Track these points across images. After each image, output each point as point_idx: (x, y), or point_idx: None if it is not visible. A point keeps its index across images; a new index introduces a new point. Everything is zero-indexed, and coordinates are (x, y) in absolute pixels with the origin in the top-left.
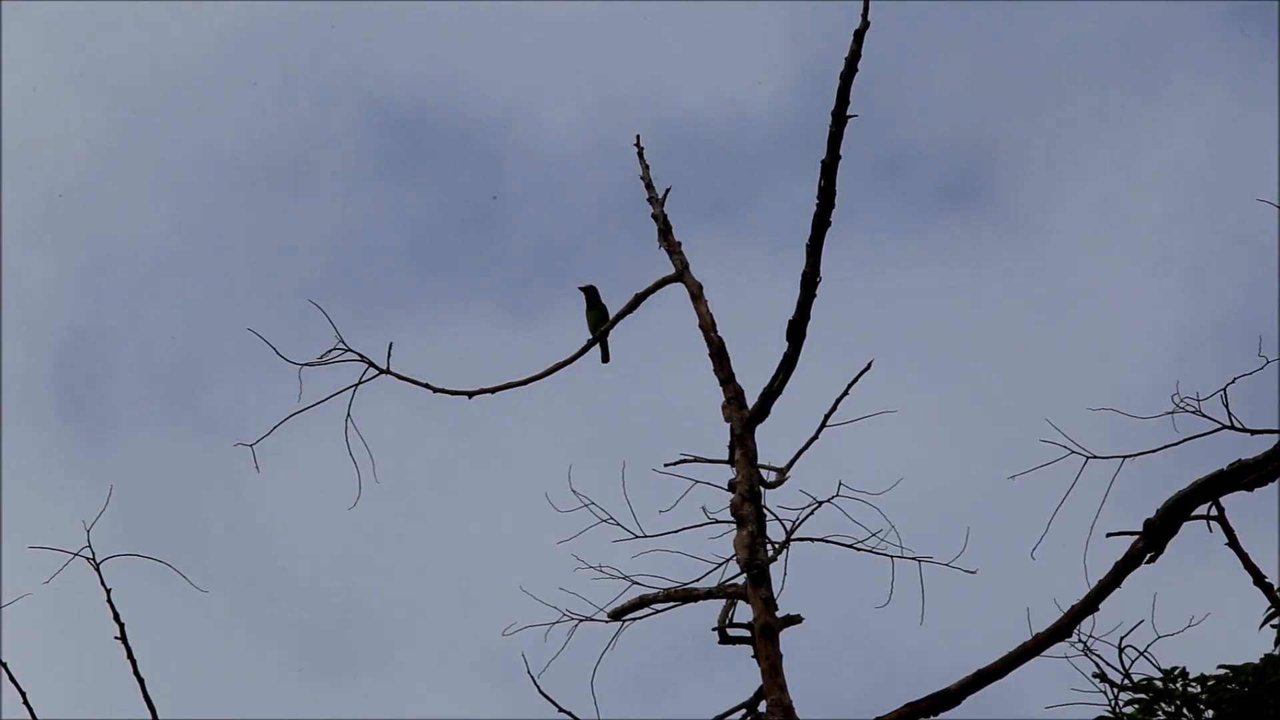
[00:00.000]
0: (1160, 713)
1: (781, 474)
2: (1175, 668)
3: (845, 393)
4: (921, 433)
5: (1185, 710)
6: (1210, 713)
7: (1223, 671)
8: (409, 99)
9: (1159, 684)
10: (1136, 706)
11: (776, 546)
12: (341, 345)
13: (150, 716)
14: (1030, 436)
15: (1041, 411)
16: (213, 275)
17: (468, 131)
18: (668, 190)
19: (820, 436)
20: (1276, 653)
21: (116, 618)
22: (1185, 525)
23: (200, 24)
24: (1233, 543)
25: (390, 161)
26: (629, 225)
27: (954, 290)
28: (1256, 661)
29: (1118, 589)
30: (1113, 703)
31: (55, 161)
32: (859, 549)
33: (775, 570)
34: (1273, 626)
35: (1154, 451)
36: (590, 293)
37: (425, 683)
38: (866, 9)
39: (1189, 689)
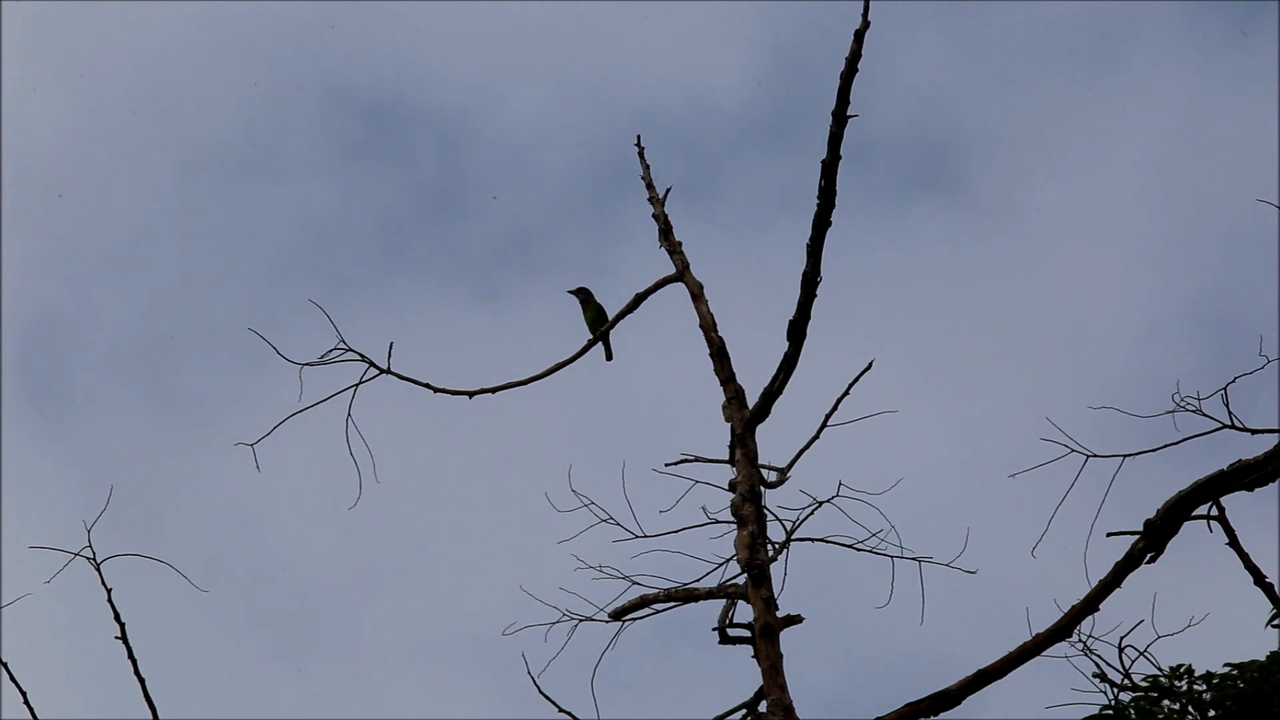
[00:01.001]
0: (1164, 710)
1: (782, 474)
2: (1180, 665)
3: (846, 393)
4: (920, 432)
5: (1190, 708)
6: (1213, 711)
7: (1227, 670)
8: (374, 85)
9: (1164, 681)
10: (1141, 704)
11: (777, 546)
12: (342, 345)
13: (150, 716)
14: (1025, 433)
15: (1027, 402)
16: (179, 261)
17: (433, 117)
18: (668, 190)
19: (821, 436)
20: None
21: (117, 618)
22: (1186, 525)
23: (166, 12)
24: (1233, 543)
25: (356, 147)
26: (595, 210)
27: (928, 274)
28: (1262, 659)
29: (1118, 589)
30: (1113, 702)
31: (22, 148)
32: (859, 549)
33: (775, 570)
34: (1274, 627)
35: (1154, 451)
36: (583, 294)
37: (425, 682)
38: (867, 9)
39: (1194, 686)
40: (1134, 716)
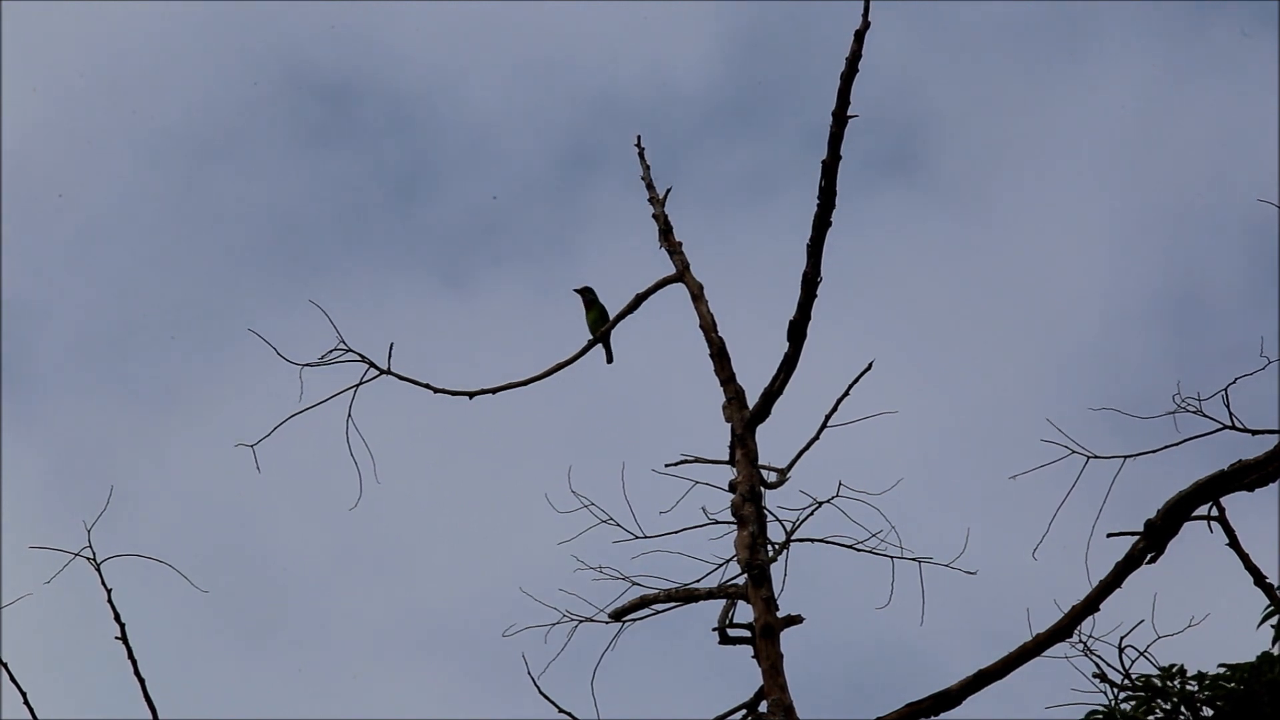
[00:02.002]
0: (1158, 710)
1: (782, 474)
2: (1173, 665)
3: (846, 393)
4: (917, 431)
5: (1183, 708)
6: (1207, 710)
7: (1220, 670)
8: (334, 68)
9: (1156, 682)
10: (1134, 704)
11: (777, 547)
12: (342, 345)
13: (150, 716)
14: (1017, 430)
15: (1022, 401)
16: (141, 247)
17: (394, 100)
18: (668, 190)
19: (821, 437)
20: (1276, 651)
21: (117, 618)
22: (1186, 525)
23: None
24: (1233, 543)
25: (317, 131)
26: (559, 192)
27: (896, 261)
28: (1253, 660)
29: (1118, 589)
30: (1113, 703)
31: None
32: (859, 549)
33: (776, 570)
34: (1271, 627)
35: (1155, 451)
36: (587, 294)
37: (425, 682)
38: (867, 9)
39: (1186, 687)
40: (1119, 718)
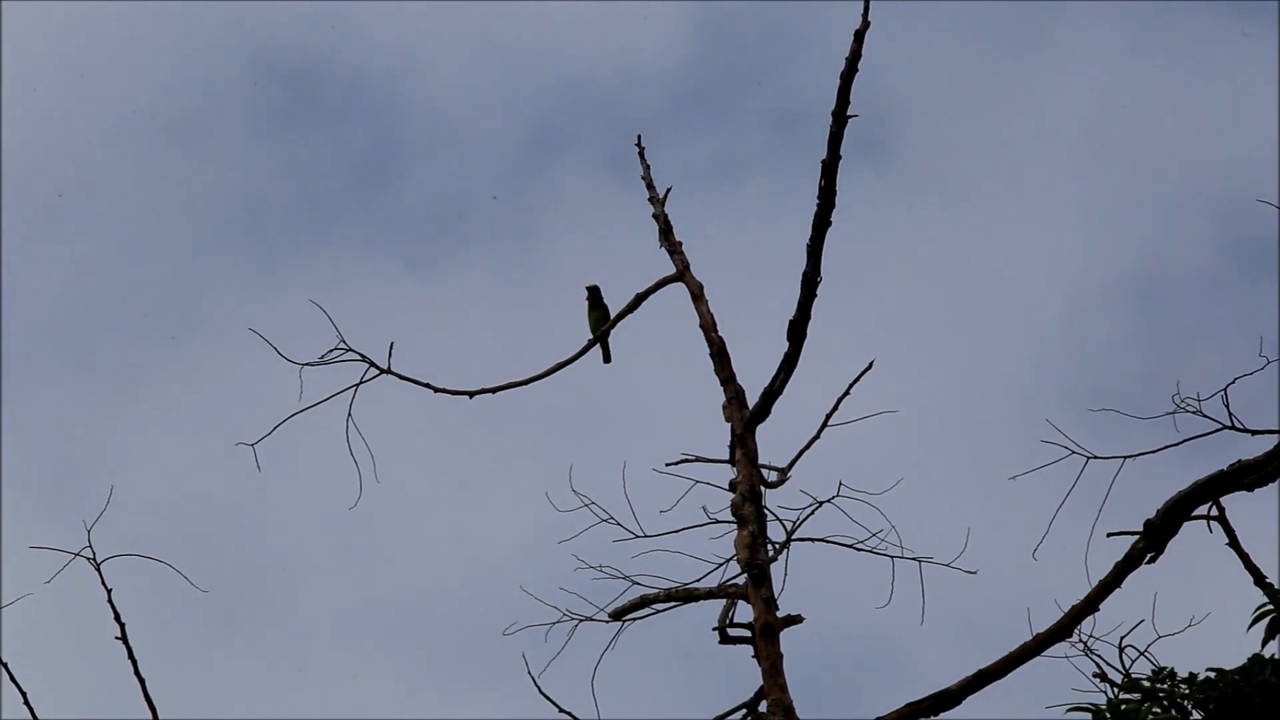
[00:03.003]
0: (1149, 714)
1: (783, 474)
2: (1163, 669)
3: (847, 392)
4: (918, 431)
5: (1173, 711)
6: (1198, 713)
7: (1210, 674)
8: (297, 52)
9: (1146, 684)
10: (1124, 706)
11: (777, 546)
12: (343, 345)
13: (150, 716)
14: (1028, 434)
15: (1018, 398)
16: (105, 229)
17: (359, 85)
18: (668, 190)
19: (821, 436)
20: (1271, 654)
21: (117, 618)
22: (1186, 525)
23: None
24: (1233, 543)
25: (282, 115)
26: (524, 177)
27: (875, 251)
28: (1245, 663)
29: (1118, 589)
30: (1115, 700)
31: None
32: (859, 549)
33: (776, 570)
34: (1269, 630)
35: (1154, 452)
36: (593, 292)
37: (425, 681)
38: (867, 9)
39: (1176, 689)
40: (1109, 716)
